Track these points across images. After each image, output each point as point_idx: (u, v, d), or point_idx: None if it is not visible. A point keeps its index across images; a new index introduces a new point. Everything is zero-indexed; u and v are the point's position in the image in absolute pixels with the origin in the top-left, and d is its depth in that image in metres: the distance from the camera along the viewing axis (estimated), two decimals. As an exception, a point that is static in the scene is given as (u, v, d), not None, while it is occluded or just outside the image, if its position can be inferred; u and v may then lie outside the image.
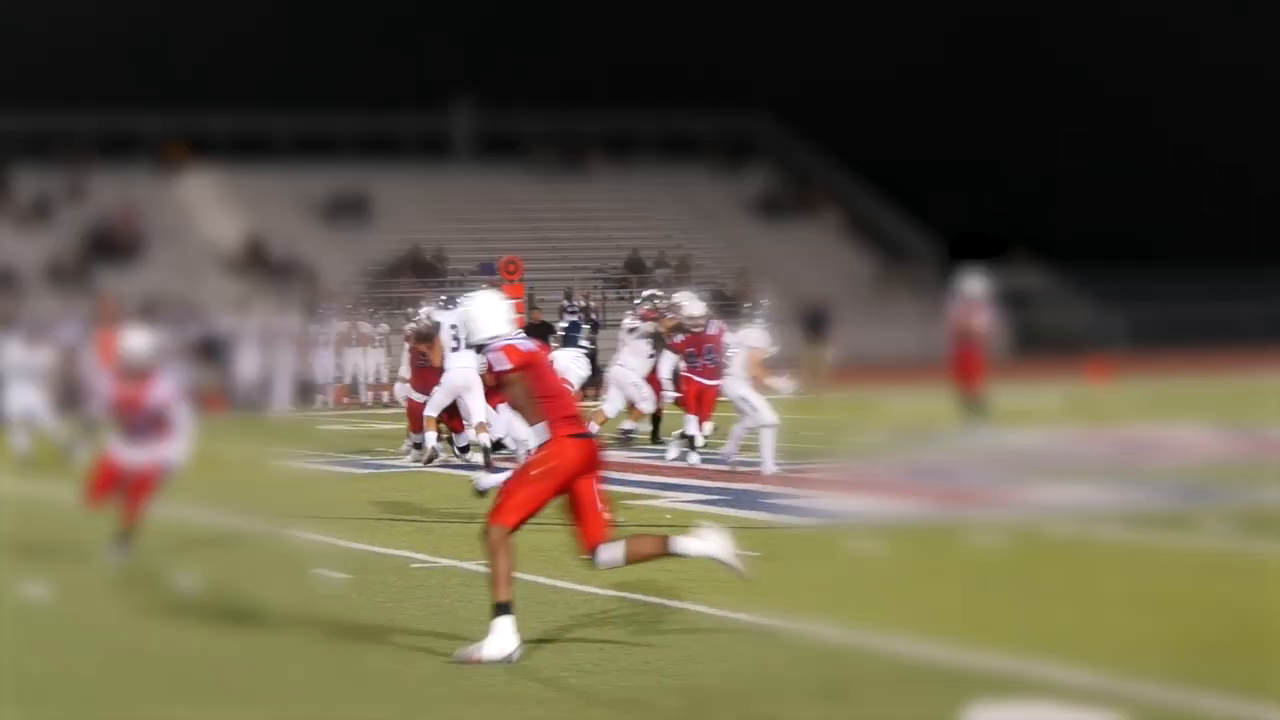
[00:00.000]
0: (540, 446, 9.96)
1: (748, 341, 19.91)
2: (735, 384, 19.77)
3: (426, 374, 21.59)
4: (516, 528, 9.83)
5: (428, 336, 21.84)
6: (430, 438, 21.10)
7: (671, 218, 52.76)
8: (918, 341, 42.98)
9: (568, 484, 9.89)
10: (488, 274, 41.77)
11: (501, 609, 9.69)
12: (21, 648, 10.32)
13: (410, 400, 22.07)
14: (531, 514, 9.87)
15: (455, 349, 20.83)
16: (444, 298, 23.01)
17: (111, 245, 45.70)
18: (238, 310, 35.50)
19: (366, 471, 21.00)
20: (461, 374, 20.50)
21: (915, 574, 12.45)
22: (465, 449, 21.35)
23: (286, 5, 59.29)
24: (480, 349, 10.34)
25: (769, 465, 19.19)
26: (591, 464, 9.97)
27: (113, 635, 10.81)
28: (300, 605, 11.51)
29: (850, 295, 42.80)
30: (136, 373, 13.75)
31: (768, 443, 19.30)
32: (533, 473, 9.89)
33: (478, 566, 12.45)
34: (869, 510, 16.14)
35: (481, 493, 11.01)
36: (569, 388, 10.66)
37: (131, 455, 13.80)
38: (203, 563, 13.49)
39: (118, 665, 9.95)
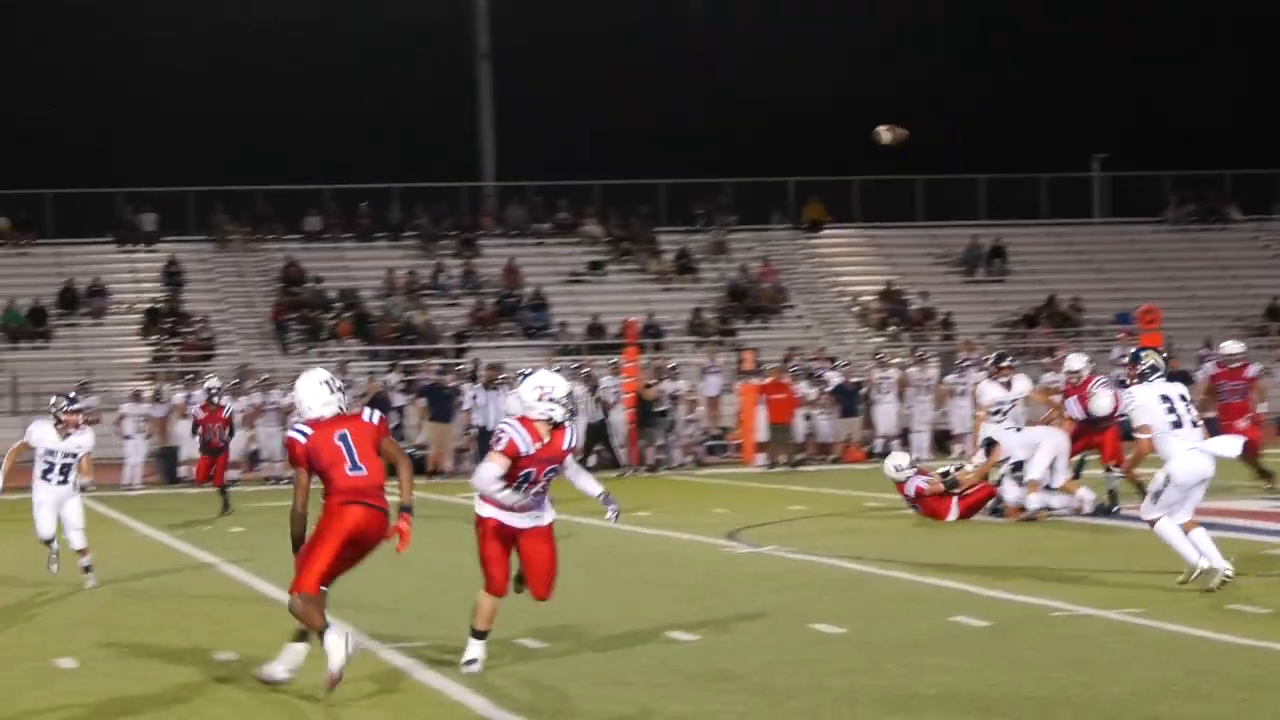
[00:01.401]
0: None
1: None
2: None
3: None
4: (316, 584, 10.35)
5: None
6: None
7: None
8: None
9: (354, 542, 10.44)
10: (1125, 324, 41.21)
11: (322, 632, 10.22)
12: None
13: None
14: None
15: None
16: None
17: (752, 300, 47.07)
18: (877, 362, 35.89)
19: (1005, 522, 20.85)
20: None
21: None
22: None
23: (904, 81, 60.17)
24: None
25: None
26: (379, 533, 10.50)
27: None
28: (935, 652, 11.56)
29: None
30: None
31: None
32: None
33: (1119, 616, 12.36)
34: None
35: None
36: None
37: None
38: (837, 604, 13.70)
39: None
